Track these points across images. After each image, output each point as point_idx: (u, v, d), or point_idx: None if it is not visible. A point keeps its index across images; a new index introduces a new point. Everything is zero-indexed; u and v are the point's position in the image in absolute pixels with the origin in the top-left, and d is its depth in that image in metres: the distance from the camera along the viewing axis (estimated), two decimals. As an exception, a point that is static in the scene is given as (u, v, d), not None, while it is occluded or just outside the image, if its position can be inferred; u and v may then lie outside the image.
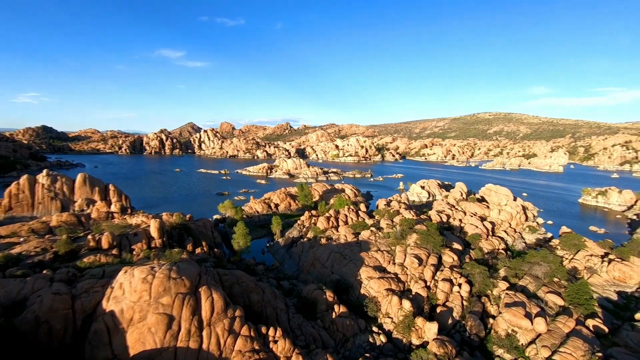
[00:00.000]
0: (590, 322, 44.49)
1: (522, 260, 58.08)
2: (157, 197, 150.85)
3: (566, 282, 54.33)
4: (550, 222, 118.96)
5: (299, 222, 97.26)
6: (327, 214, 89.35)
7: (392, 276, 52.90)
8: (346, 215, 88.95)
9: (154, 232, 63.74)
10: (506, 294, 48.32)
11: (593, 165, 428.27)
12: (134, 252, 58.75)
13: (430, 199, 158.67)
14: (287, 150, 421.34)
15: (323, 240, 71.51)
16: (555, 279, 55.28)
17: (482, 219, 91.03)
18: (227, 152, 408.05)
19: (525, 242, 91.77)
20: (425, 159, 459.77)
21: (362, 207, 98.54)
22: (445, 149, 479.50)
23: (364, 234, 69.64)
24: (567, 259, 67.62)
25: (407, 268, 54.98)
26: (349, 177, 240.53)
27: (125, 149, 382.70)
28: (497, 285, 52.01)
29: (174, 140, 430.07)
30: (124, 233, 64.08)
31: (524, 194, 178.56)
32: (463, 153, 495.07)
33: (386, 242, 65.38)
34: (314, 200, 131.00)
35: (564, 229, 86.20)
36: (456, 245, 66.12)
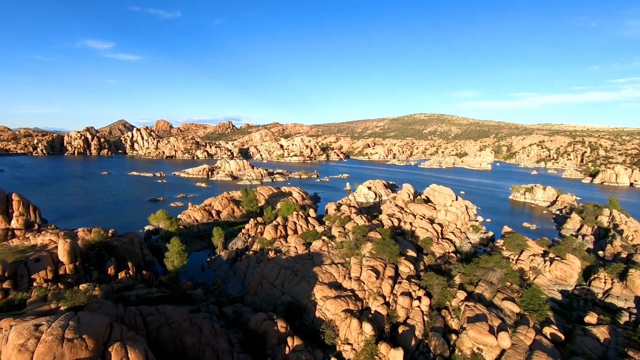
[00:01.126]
0: (547, 330, 43.99)
1: (476, 266, 57.23)
2: (76, 206, 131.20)
3: (518, 286, 54.30)
4: (488, 219, 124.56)
5: (243, 230, 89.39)
6: (274, 222, 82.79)
7: (349, 294, 48.33)
8: (295, 223, 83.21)
9: (62, 255, 52.13)
10: (466, 305, 46.30)
11: (515, 163, 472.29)
12: (34, 285, 47.07)
13: (377, 199, 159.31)
14: (230, 151, 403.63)
15: (271, 254, 64.96)
16: (507, 283, 55.06)
17: (431, 220, 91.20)
18: (163, 152, 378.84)
19: (470, 242, 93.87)
20: (369, 158, 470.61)
21: (312, 212, 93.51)
22: (387, 149, 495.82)
23: (316, 245, 64.50)
24: (513, 259, 68.97)
25: (364, 283, 50.84)
26: (295, 178, 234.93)
27: (42, 150, 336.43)
28: (456, 295, 50.04)
29: (102, 140, 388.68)
30: (22, 258, 51.64)
31: (462, 192, 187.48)
32: (403, 152, 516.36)
33: (340, 253, 60.88)
34: (259, 205, 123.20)
35: (506, 228, 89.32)
36: (410, 252, 63.83)
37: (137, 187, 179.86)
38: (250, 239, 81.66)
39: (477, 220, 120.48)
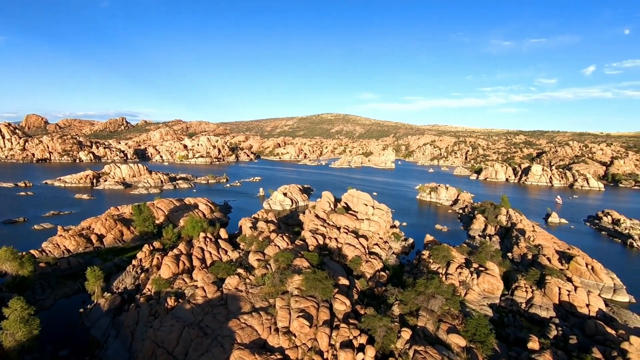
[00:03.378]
0: (498, 367, 39.94)
1: (415, 292, 51.86)
2: None
3: (458, 312, 50.39)
4: (404, 223, 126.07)
5: (135, 261, 70.87)
6: (175, 250, 66.69)
7: (279, 357, 37.48)
8: (202, 250, 68.44)
9: None
10: (415, 351, 39.61)
11: (413, 161, 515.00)
12: None
13: (294, 206, 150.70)
14: (123, 152, 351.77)
15: (170, 301, 49.96)
16: (446, 307, 50.83)
17: (356, 233, 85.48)
18: (33, 154, 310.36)
19: (394, 252, 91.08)
20: (280, 158, 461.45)
21: (223, 232, 79.29)
22: (298, 148, 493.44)
23: (231, 283, 51.74)
24: (442, 273, 66.49)
25: (295, 336, 40.57)
26: (201, 184, 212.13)
27: None
28: (400, 334, 43.28)
29: None
30: None
31: (375, 193, 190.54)
32: (313, 152, 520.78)
33: (261, 292, 49.42)
34: (157, 222, 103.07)
35: (428, 237, 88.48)
36: (343, 281, 55.74)
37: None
38: (143, 275, 64.18)
39: (396, 225, 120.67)
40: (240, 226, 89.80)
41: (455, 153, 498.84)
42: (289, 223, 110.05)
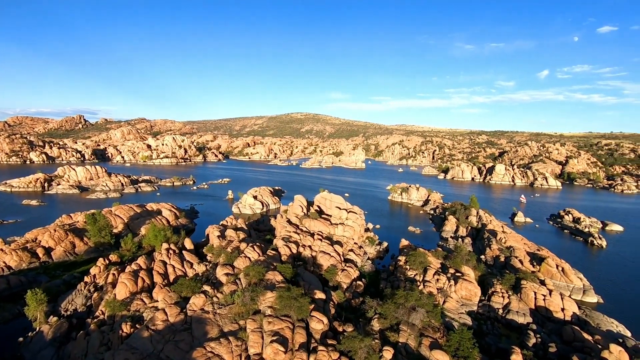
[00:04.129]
0: (484, 386, 38.11)
1: (394, 305, 49.39)
2: None
3: (440, 324, 48.46)
4: (377, 225, 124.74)
5: (87, 278, 63.92)
6: (134, 265, 60.48)
7: (250, 391, 33.49)
8: (165, 263, 62.63)
9: None
10: (399, 373, 36.96)
11: (383, 161, 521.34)
12: None
13: (264, 209, 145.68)
14: (80, 152, 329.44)
15: (126, 327, 44.35)
16: (426, 319, 48.80)
17: (330, 239, 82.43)
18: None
19: (369, 258, 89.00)
20: (249, 158, 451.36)
21: (188, 242, 73.55)
22: (268, 148, 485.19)
23: (196, 302, 46.81)
24: (419, 281, 64.78)
25: (269, 364, 36.67)
26: (166, 187, 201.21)
27: None
28: (382, 354, 40.53)
29: None
30: None
31: (347, 194, 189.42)
32: (284, 151, 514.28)
33: (230, 312, 44.97)
34: (115, 232, 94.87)
35: (403, 241, 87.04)
36: (319, 294, 52.33)
37: None
38: (96, 294, 57.51)
39: (369, 229, 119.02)
40: (207, 234, 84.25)
41: (423, 153, 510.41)
42: (259, 229, 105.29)
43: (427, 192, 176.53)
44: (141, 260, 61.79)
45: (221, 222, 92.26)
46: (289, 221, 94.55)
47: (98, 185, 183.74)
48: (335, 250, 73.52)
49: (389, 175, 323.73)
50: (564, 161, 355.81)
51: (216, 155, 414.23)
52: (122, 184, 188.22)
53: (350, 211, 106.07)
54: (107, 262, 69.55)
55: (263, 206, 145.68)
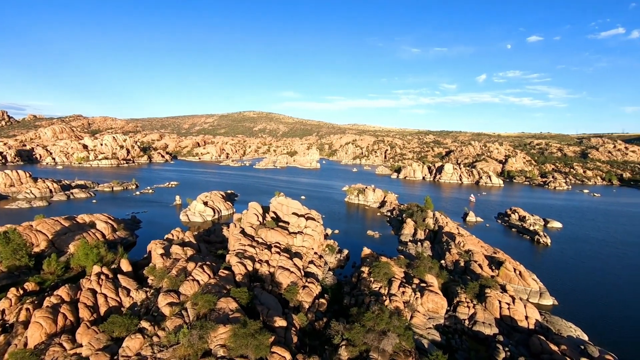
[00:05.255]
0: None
1: (363, 329, 45.15)
2: None
3: (411, 347, 45.04)
4: (336, 230, 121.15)
5: (-7, 315, 52.08)
6: (53, 299, 50.09)
7: None
8: (94, 292, 52.88)
9: None
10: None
11: (337, 160, 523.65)
12: None
13: (216, 216, 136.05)
14: (1, 153, 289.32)
15: (37, 387, 35.34)
16: (398, 344, 45.22)
17: (288, 251, 76.76)
18: None
19: (330, 268, 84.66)
20: (200, 158, 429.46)
21: (125, 263, 63.63)
22: (219, 148, 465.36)
23: (131, 346, 38.81)
24: (384, 294, 61.46)
25: None
26: (104, 192, 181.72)
27: None
28: (353, 392, 35.97)
29: None
30: None
31: (303, 197, 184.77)
32: (236, 151, 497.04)
33: (174, 355, 37.66)
34: (36, 250, 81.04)
35: (365, 250, 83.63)
36: (279, 321, 46.54)
37: None
38: (2, 337, 46.58)
39: (328, 234, 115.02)
40: (150, 251, 74.44)
41: (376, 152, 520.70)
42: (211, 240, 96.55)
43: (383, 193, 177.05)
44: (63, 291, 51.52)
45: (166, 236, 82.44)
46: (243, 232, 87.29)
47: (20, 192, 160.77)
48: (294, 264, 67.98)
49: (344, 175, 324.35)
50: (503, 160, 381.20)
51: (163, 156, 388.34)
52: (50, 190, 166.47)
53: (308, 217, 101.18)
54: (21, 291, 57.92)
55: (215, 213, 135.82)
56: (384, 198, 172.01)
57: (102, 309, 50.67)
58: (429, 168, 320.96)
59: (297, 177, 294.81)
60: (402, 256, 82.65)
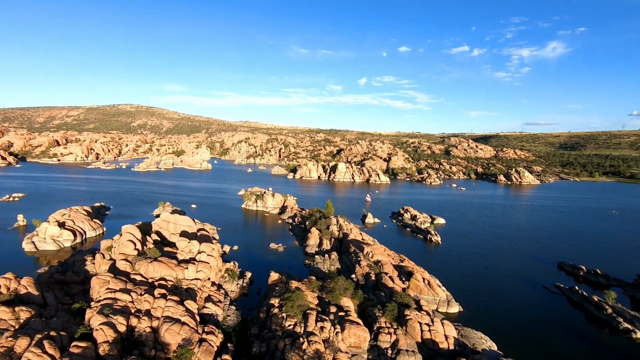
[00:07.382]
0: None
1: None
2: None
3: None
4: (235, 247, 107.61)
5: None
6: None
7: None
8: None
9: None
10: None
11: (230, 160, 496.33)
12: None
13: (78, 240, 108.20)
14: None
15: None
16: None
17: (177, 290, 61.50)
18: None
19: (232, 301, 71.90)
20: (59, 160, 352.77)
21: None
22: (86, 147, 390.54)
23: None
24: (301, 333, 52.69)
25: None
26: None
27: None
28: None
29: None
30: None
31: (193, 206, 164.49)
32: (109, 151, 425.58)
33: None
34: None
35: (273, 275, 72.96)
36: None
37: None
38: None
39: (226, 252, 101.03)
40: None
41: (270, 151, 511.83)
42: (67, 280, 72.69)
43: (282, 197, 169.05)
44: None
45: (-10, 286, 57.53)
46: (114, 267, 67.79)
47: None
48: (187, 309, 53.66)
49: (239, 176, 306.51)
50: (387, 158, 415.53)
51: (4, 158, 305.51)
52: None
53: (202, 235, 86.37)
54: None
55: (75, 236, 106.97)
56: (284, 203, 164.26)
57: None
58: (324, 167, 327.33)
59: (185, 180, 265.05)
60: (313, 277, 75.38)
